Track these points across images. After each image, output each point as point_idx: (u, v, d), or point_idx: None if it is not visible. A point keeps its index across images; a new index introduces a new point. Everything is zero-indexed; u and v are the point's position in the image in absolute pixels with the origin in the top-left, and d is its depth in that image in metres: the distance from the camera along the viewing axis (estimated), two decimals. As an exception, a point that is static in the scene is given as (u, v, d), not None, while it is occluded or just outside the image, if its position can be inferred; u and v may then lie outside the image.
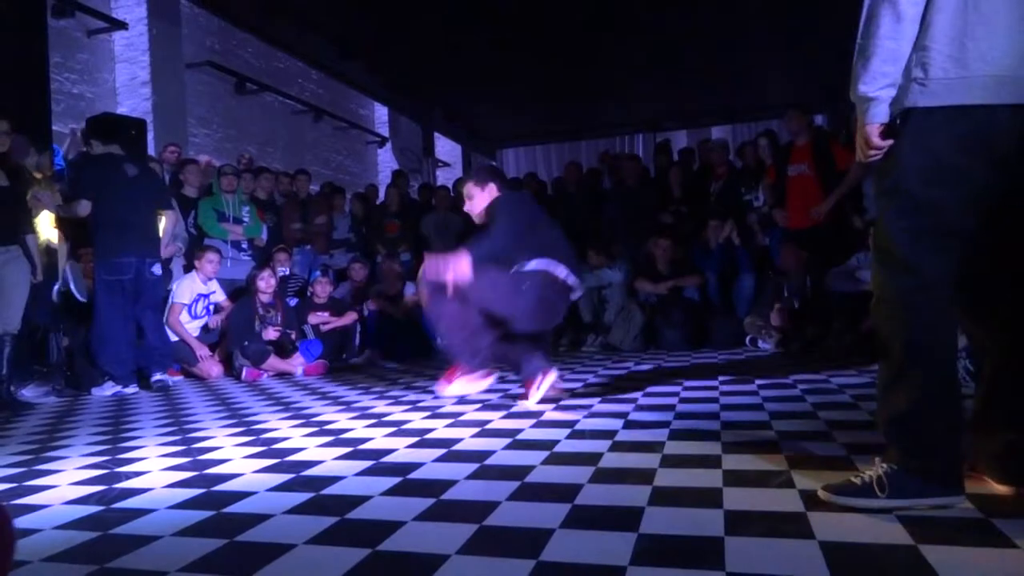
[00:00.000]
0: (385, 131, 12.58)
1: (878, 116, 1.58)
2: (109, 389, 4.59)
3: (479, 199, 3.39)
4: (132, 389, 4.66)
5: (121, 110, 7.48)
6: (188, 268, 5.72)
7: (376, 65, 8.57)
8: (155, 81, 7.71)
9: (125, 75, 7.78)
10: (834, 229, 5.43)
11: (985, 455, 1.68)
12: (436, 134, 11.51)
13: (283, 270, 6.04)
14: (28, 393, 4.46)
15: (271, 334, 5.27)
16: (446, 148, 12.75)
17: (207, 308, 5.51)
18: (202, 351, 5.31)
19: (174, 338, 5.27)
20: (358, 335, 6.05)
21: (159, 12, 7.82)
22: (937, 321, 1.55)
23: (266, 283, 5.34)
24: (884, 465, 1.57)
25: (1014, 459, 1.61)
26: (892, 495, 1.53)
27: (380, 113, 12.67)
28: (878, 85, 1.56)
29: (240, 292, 5.64)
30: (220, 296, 5.58)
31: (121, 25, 7.62)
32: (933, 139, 1.53)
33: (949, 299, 1.56)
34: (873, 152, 1.60)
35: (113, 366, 4.63)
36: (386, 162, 12.72)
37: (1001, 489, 1.62)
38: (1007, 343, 1.62)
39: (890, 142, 1.58)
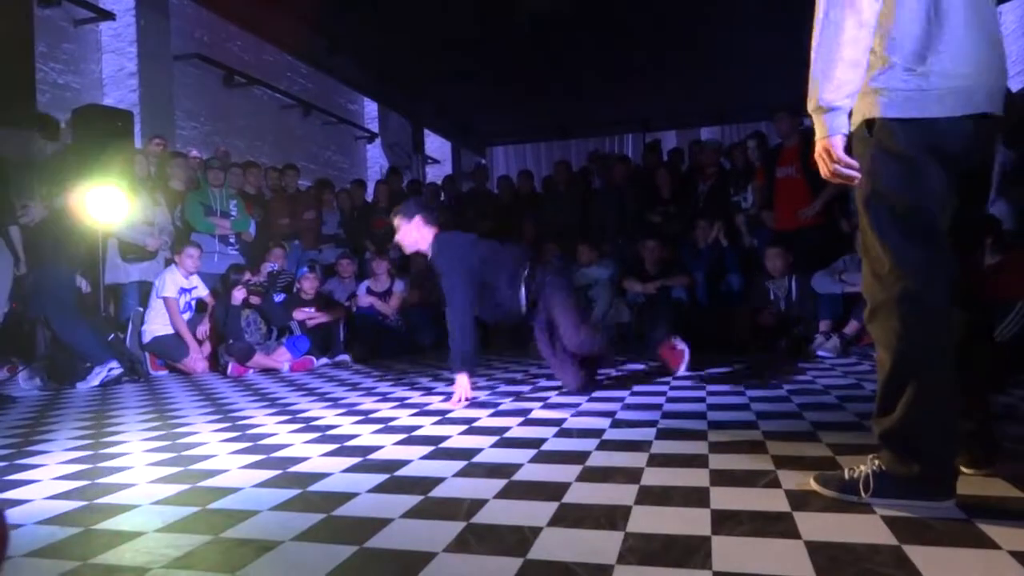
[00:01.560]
0: (375, 127, 12.53)
1: (841, 127, 1.55)
2: (95, 377, 4.56)
3: (405, 230, 3.59)
4: (115, 368, 4.65)
5: (107, 101, 7.39)
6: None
7: (366, 60, 8.53)
8: (142, 73, 7.63)
9: (112, 66, 7.69)
10: (821, 231, 5.47)
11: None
12: (426, 131, 11.48)
13: (273, 265, 5.99)
14: (23, 383, 4.45)
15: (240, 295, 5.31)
16: (435, 144, 12.71)
17: (189, 304, 5.46)
18: (194, 348, 5.28)
19: (168, 332, 5.23)
20: (343, 331, 6.02)
21: (147, 3, 7.73)
22: (931, 329, 1.54)
23: (239, 294, 5.32)
24: (875, 464, 1.60)
25: (976, 441, 1.71)
26: (875, 495, 1.56)
27: (370, 109, 12.61)
28: (843, 93, 1.53)
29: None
30: (203, 291, 5.54)
31: (108, 15, 7.53)
32: (900, 147, 1.53)
33: (943, 305, 1.55)
34: (837, 167, 1.55)
35: (84, 346, 4.62)
36: (375, 158, 12.67)
37: (968, 471, 1.72)
38: (964, 321, 1.65)
39: (852, 160, 1.56)
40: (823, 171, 1.60)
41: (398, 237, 3.66)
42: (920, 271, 1.53)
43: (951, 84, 1.51)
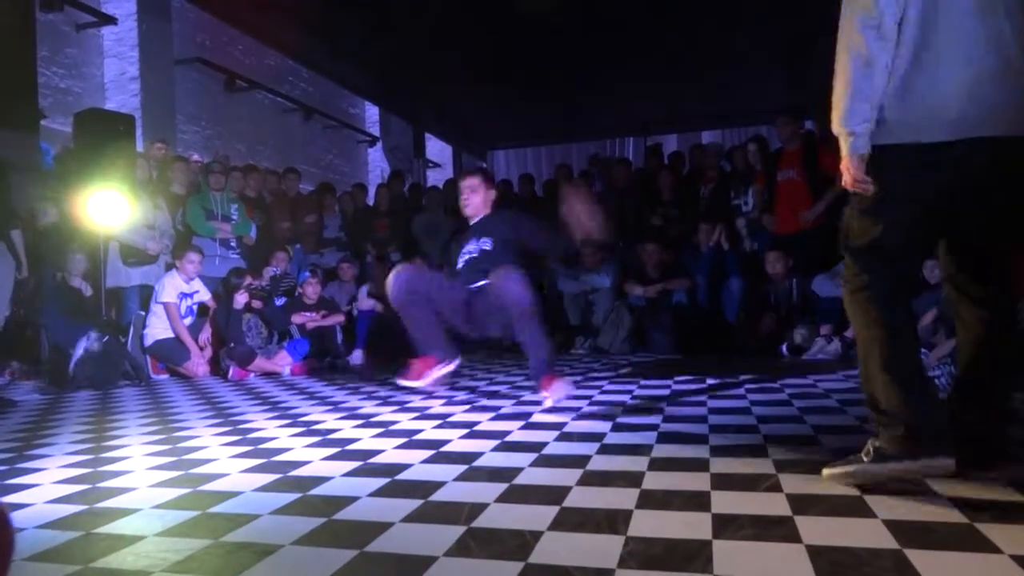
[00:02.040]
0: (376, 131, 12.55)
1: (858, 148, 1.71)
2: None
3: (485, 196, 3.74)
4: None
5: (109, 106, 7.42)
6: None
7: (367, 64, 8.55)
8: (144, 77, 7.66)
9: (114, 70, 7.72)
10: (822, 235, 5.47)
11: (956, 439, 1.74)
12: (427, 134, 11.49)
13: (275, 269, 6.00)
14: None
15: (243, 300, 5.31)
16: (436, 148, 12.73)
17: (191, 308, 5.47)
18: (195, 352, 5.28)
19: (169, 335, 5.24)
20: (340, 335, 6.02)
21: (149, 7, 7.77)
22: (892, 302, 1.75)
23: (241, 298, 5.31)
24: (875, 443, 1.71)
25: (980, 442, 1.74)
26: (874, 460, 1.69)
27: (371, 112, 12.63)
28: (855, 121, 1.69)
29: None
30: (205, 295, 5.54)
31: (110, 20, 7.56)
32: (893, 172, 1.69)
33: (907, 285, 1.83)
34: (857, 183, 1.73)
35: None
36: (376, 162, 12.69)
37: (970, 472, 1.72)
38: (981, 318, 1.78)
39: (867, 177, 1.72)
40: (845, 180, 1.77)
41: (472, 197, 3.71)
42: (873, 276, 1.76)
43: (935, 111, 1.64)
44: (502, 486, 1.88)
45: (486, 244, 3.63)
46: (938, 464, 1.62)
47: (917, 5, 1.64)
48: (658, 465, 2.04)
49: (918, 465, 1.63)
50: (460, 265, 3.67)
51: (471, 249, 3.65)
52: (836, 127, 1.73)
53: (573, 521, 1.58)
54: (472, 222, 3.76)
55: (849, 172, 1.73)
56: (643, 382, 3.91)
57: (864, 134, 1.70)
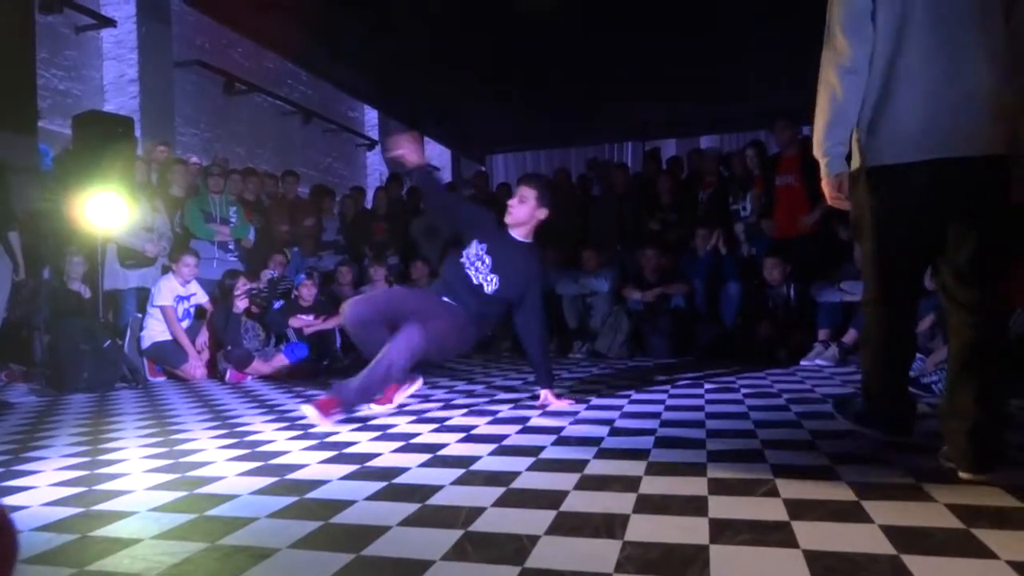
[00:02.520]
0: (375, 134, 12.55)
1: (834, 168, 2.00)
2: None
3: (530, 207, 3.39)
4: None
5: (108, 108, 7.41)
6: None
7: (366, 68, 8.55)
8: (143, 80, 7.65)
9: (113, 73, 7.71)
10: (820, 239, 5.48)
11: (951, 444, 1.88)
12: (426, 138, 11.50)
13: (273, 272, 5.99)
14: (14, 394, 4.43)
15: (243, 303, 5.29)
16: (435, 152, 12.74)
17: (187, 311, 5.46)
18: (193, 354, 5.27)
19: (166, 338, 5.23)
20: (339, 339, 6.01)
21: (149, 10, 7.77)
22: (881, 322, 2.07)
23: (241, 303, 5.30)
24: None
25: (973, 446, 1.81)
26: (844, 418, 2.28)
27: (370, 116, 12.64)
28: (829, 144, 1.98)
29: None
30: (202, 298, 5.54)
31: (110, 22, 7.56)
32: (866, 190, 1.96)
33: (907, 297, 2.07)
34: (833, 199, 2.04)
35: None
36: (375, 165, 12.69)
37: (964, 476, 1.81)
38: (971, 324, 1.89)
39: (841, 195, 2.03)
40: (827, 196, 2.07)
41: (518, 207, 3.39)
42: (892, 279, 2.04)
43: (903, 135, 1.87)
44: (499, 490, 1.87)
45: (491, 282, 3.33)
46: (889, 437, 2.18)
47: (885, 55, 1.89)
48: (655, 470, 2.04)
49: (872, 432, 2.22)
50: (453, 273, 3.39)
51: (476, 270, 3.34)
52: (815, 152, 2.03)
53: (570, 525, 1.58)
54: (503, 231, 3.46)
55: (826, 189, 2.04)
56: (640, 386, 3.91)
57: (838, 157, 1.98)
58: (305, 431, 2.89)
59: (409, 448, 2.48)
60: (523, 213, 3.39)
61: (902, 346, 2.11)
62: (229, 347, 5.17)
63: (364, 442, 2.61)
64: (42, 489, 2.09)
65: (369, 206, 8.04)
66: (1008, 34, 1.83)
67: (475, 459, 2.26)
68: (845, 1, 1.91)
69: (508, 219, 3.44)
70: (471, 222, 3.51)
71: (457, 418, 3.07)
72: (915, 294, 2.08)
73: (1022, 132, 1.83)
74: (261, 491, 1.97)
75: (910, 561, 1.31)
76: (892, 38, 1.88)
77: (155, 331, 5.27)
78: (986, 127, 1.82)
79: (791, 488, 1.79)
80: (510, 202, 3.45)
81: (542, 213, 3.40)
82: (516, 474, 2.04)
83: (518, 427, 2.79)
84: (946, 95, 1.83)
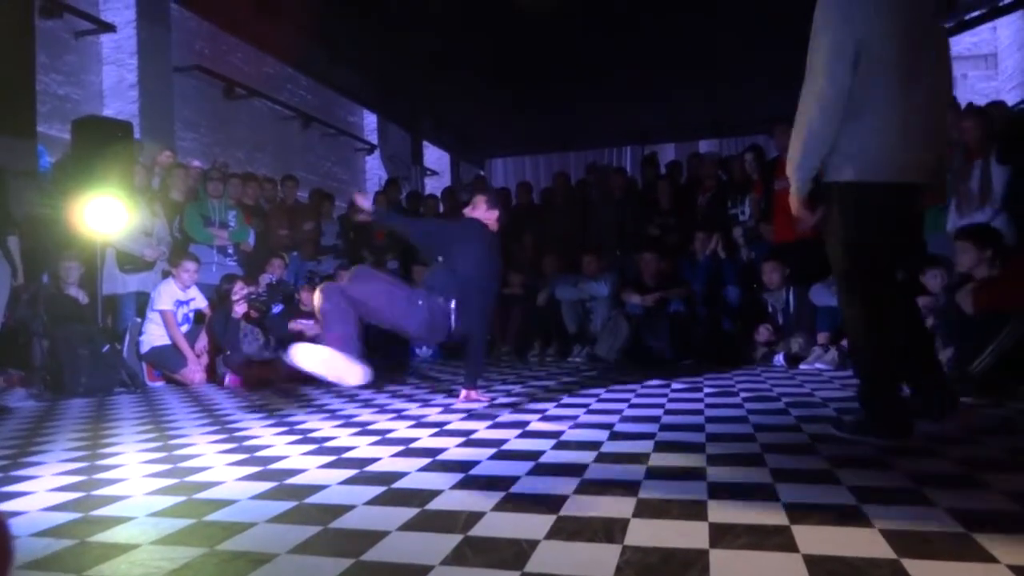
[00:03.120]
0: (374, 138, 12.56)
1: (801, 191, 2.40)
2: None
3: (481, 213, 3.91)
4: None
5: (107, 113, 7.41)
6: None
7: (366, 73, 8.57)
8: (142, 84, 7.65)
9: (112, 78, 7.71)
10: (819, 244, 5.47)
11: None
12: (425, 143, 11.51)
13: (271, 276, 5.99)
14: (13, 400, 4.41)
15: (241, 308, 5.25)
16: (434, 156, 12.75)
17: (187, 316, 5.46)
18: (192, 359, 5.26)
19: (165, 342, 5.22)
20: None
21: (148, 15, 7.77)
22: (883, 319, 2.37)
23: (240, 308, 5.28)
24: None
25: (926, 395, 2.51)
26: (841, 431, 2.47)
27: (369, 120, 12.65)
28: (802, 173, 2.36)
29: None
30: (201, 302, 5.53)
31: (109, 27, 7.56)
32: (838, 203, 2.36)
33: (893, 303, 2.42)
34: (798, 213, 2.45)
35: None
36: (374, 170, 12.69)
37: (922, 420, 2.41)
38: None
39: (813, 212, 2.45)
40: (793, 211, 2.49)
41: (471, 213, 3.93)
42: (870, 289, 2.42)
43: (861, 161, 2.28)
44: (499, 494, 1.87)
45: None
46: (887, 443, 2.29)
47: (861, 93, 2.22)
48: (655, 474, 2.03)
49: (871, 441, 2.34)
50: (473, 263, 3.65)
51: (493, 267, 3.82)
52: (788, 170, 2.38)
53: (570, 530, 1.57)
54: (483, 228, 3.84)
55: (794, 206, 2.45)
56: (640, 390, 3.91)
57: (806, 180, 2.37)
58: (304, 436, 2.89)
59: (408, 452, 2.48)
60: (477, 216, 3.92)
61: (891, 348, 2.39)
62: (228, 352, 5.17)
63: (363, 447, 2.61)
64: (40, 494, 2.09)
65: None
66: (926, 89, 2.27)
67: (474, 463, 2.25)
68: (834, 48, 2.20)
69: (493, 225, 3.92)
70: (455, 236, 3.85)
71: (456, 422, 3.07)
72: (893, 294, 2.41)
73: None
74: (260, 496, 1.97)
75: (910, 565, 1.31)
76: (867, 82, 2.22)
77: (154, 335, 5.26)
78: (924, 159, 2.32)
79: (791, 492, 1.79)
80: (464, 210, 4.01)
81: (492, 214, 3.93)
82: (516, 478, 2.04)
83: (517, 431, 2.79)
84: (898, 130, 2.24)
